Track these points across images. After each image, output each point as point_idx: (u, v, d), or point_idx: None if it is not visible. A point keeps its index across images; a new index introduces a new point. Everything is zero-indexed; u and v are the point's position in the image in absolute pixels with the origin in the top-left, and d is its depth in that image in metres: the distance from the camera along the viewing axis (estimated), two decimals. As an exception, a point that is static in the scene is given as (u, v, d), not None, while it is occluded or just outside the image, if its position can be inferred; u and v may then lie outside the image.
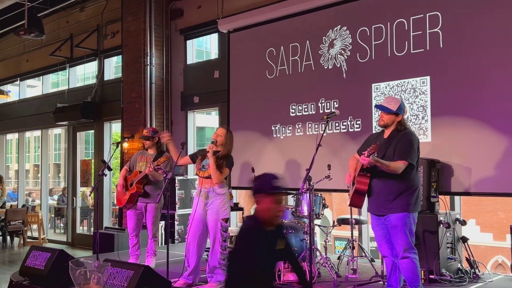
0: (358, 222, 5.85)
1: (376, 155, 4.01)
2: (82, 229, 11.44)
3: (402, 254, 4.07)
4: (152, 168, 5.59)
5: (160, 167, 5.55)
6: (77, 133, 11.09)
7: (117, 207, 8.50)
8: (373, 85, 6.11)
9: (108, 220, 10.03)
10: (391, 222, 4.12)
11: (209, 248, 4.95)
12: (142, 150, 6.15)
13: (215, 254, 4.84)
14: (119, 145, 6.64)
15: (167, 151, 5.74)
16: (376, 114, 6.05)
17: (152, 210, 5.82)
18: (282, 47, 7.05)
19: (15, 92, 13.15)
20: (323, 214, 5.53)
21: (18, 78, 12.91)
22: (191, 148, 8.74)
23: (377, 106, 4.47)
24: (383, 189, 4.16)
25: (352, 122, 6.28)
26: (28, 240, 11.23)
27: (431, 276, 4.82)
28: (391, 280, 4.18)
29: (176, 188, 7.83)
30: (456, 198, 5.86)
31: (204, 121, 11.12)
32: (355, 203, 4.30)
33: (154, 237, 5.88)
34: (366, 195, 4.26)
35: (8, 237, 11.05)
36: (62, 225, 13.10)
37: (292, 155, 6.76)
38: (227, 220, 4.88)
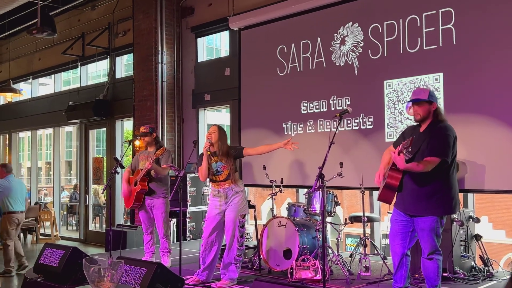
0: (370, 220, 5.84)
1: (410, 149, 3.79)
2: (94, 226, 11.53)
3: (427, 256, 3.97)
4: (151, 161, 5.57)
5: (172, 165, 5.56)
6: (89, 131, 11.17)
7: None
8: (385, 82, 6.07)
9: (120, 218, 10.09)
10: (419, 225, 3.96)
11: (224, 245, 4.98)
12: (143, 150, 6.15)
13: (232, 250, 4.86)
14: (131, 143, 6.66)
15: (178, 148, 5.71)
16: (388, 111, 6.02)
17: (160, 206, 5.77)
18: (293, 44, 7.03)
19: (27, 90, 13.27)
20: (335, 212, 5.52)
21: (31, 77, 13.02)
22: (202, 146, 8.74)
23: (409, 102, 4.16)
24: (415, 187, 3.94)
25: (364, 120, 6.25)
26: (41, 237, 11.34)
27: (445, 274, 4.76)
28: (396, 276, 4.11)
29: (188, 185, 7.86)
30: (470, 195, 5.82)
31: (215, 119, 11.12)
32: (385, 198, 4.03)
33: (166, 235, 5.79)
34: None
35: (21, 234, 11.16)
36: (74, 222, 13.20)
37: (303, 153, 6.74)
38: (244, 216, 4.93)
